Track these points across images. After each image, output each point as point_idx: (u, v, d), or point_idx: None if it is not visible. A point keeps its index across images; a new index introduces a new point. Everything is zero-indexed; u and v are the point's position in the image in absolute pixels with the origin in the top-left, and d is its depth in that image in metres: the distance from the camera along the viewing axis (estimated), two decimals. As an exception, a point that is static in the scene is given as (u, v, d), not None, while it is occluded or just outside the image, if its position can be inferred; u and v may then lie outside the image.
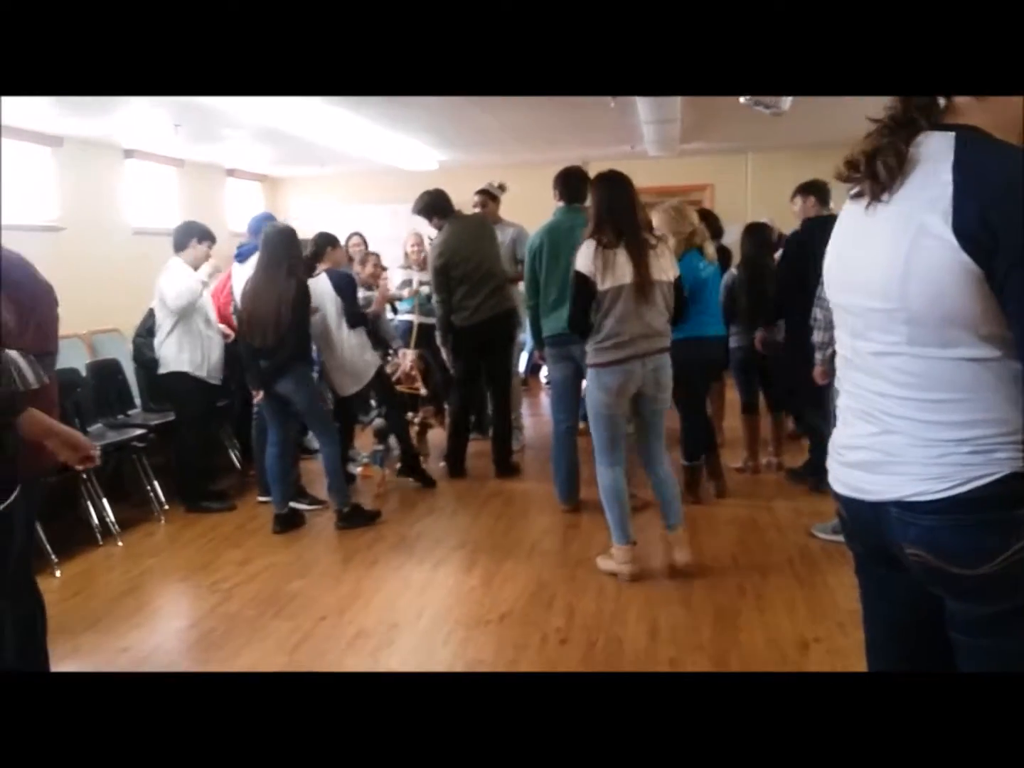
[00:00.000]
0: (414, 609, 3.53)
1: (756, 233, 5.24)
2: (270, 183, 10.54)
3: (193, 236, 4.86)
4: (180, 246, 4.85)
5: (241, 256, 4.89)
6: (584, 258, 3.56)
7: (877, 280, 1.26)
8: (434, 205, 5.42)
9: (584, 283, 3.56)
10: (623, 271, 3.51)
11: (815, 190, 4.62)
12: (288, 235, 4.42)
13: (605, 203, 3.59)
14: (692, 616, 3.35)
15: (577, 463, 4.71)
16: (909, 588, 1.37)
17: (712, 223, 5.36)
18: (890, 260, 1.23)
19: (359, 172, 9.81)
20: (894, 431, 1.30)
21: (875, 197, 1.29)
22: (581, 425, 5.66)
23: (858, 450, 1.37)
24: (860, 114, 1.42)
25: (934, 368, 1.23)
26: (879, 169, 1.27)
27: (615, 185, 3.62)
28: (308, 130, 6.67)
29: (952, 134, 1.24)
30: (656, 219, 4.41)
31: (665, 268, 3.62)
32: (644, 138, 7.24)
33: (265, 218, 5.05)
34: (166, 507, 4.88)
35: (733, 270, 5.21)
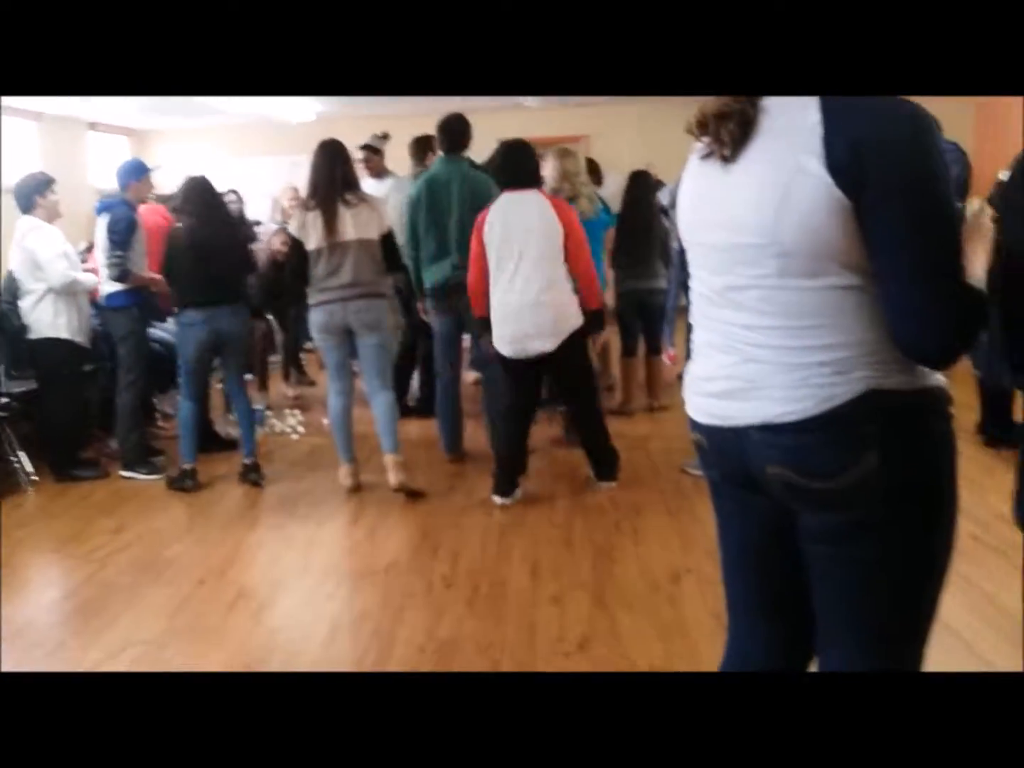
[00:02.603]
0: (298, 566, 3.53)
1: (639, 179, 5.33)
2: (137, 137, 10.08)
3: (35, 192, 4.60)
4: (27, 206, 4.60)
5: (103, 210, 4.67)
6: (294, 223, 4.13)
7: (748, 217, 1.30)
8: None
9: (295, 245, 4.11)
10: (321, 232, 4.00)
11: None
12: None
13: (311, 171, 4.08)
14: (572, 554, 3.46)
15: (461, 414, 4.75)
16: (763, 508, 1.46)
17: (593, 172, 5.41)
18: (763, 198, 1.27)
19: (232, 124, 9.49)
20: (756, 360, 1.35)
21: (724, 159, 1.33)
22: (473, 377, 5.71)
23: (718, 380, 1.42)
24: None
25: (799, 297, 1.29)
26: (723, 135, 1.32)
27: (320, 152, 4.07)
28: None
29: None
30: (547, 162, 4.62)
31: (367, 224, 4.04)
32: (522, 87, 7.21)
33: (135, 167, 4.79)
34: (34, 477, 4.68)
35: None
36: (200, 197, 4.38)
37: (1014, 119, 8.14)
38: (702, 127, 1.37)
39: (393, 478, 4.16)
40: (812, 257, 1.26)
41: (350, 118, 8.69)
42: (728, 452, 1.45)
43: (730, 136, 1.31)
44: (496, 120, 8.94)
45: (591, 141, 9.47)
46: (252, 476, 4.50)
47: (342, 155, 4.07)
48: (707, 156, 1.38)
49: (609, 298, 4.86)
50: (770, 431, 1.34)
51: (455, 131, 4.54)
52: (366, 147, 5.90)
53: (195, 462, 4.47)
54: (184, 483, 4.44)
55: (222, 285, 4.35)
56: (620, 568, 3.30)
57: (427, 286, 4.58)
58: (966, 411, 4.49)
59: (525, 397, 4.07)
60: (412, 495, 4.17)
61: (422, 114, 7.42)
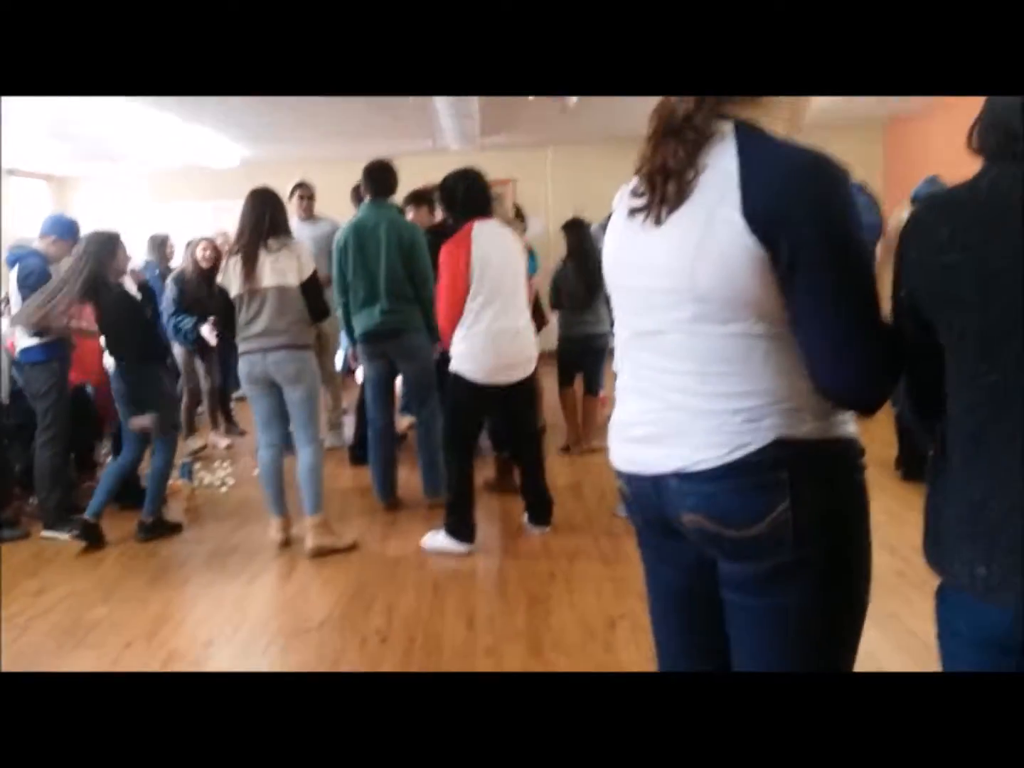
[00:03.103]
0: (230, 625, 3.44)
1: (577, 227, 5.49)
2: (57, 182, 9.88)
3: None
4: None
5: (13, 261, 4.58)
6: (221, 270, 4.12)
7: (667, 261, 1.32)
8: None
9: (220, 292, 4.13)
10: (240, 278, 3.98)
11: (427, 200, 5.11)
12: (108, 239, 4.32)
13: (240, 216, 4.06)
14: (507, 605, 3.46)
15: (394, 461, 4.73)
16: (685, 555, 1.47)
17: (516, 216, 5.54)
18: (682, 243, 1.30)
19: (155, 170, 9.38)
20: (675, 406, 1.37)
21: (659, 219, 1.34)
22: (406, 422, 5.68)
23: (637, 426, 1.43)
24: (647, 107, 1.42)
25: (712, 343, 1.31)
26: (669, 191, 1.32)
27: (250, 199, 4.04)
28: (99, 126, 6.32)
29: (730, 124, 1.31)
30: None
31: (285, 271, 3.97)
32: (445, 134, 7.30)
33: (66, 226, 4.73)
34: (-50, 540, 4.50)
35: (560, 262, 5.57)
36: (89, 251, 4.26)
37: (922, 139, 8.54)
38: (645, 185, 1.37)
39: (310, 541, 4.07)
40: (726, 304, 1.28)
41: (275, 163, 8.67)
42: (649, 499, 1.46)
43: (676, 194, 1.32)
44: (420, 164, 9.04)
45: (517, 184, 9.59)
46: (143, 535, 4.41)
47: (272, 202, 4.05)
48: (637, 212, 1.39)
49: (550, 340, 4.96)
50: (686, 479, 1.36)
51: (381, 177, 4.58)
52: (302, 185, 5.94)
53: (94, 517, 4.34)
54: (77, 534, 4.33)
55: (112, 340, 4.29)
56: (555, 617, 3.31)
57: (357, 332, 4.58)
58: (886, 446, 4.64)
59: (478, 427, 4.11)
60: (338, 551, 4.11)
61: (345, 159, 7.47)
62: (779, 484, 1.30)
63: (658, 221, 1.35)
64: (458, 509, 4.00)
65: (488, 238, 3.82)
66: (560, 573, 3.73)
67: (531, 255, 4.98)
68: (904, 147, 9.14)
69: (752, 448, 1.30)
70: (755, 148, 1.29)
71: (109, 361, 4.39)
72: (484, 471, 5.01)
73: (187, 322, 5.72)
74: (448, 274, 3.81)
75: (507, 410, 4.09)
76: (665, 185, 1.33)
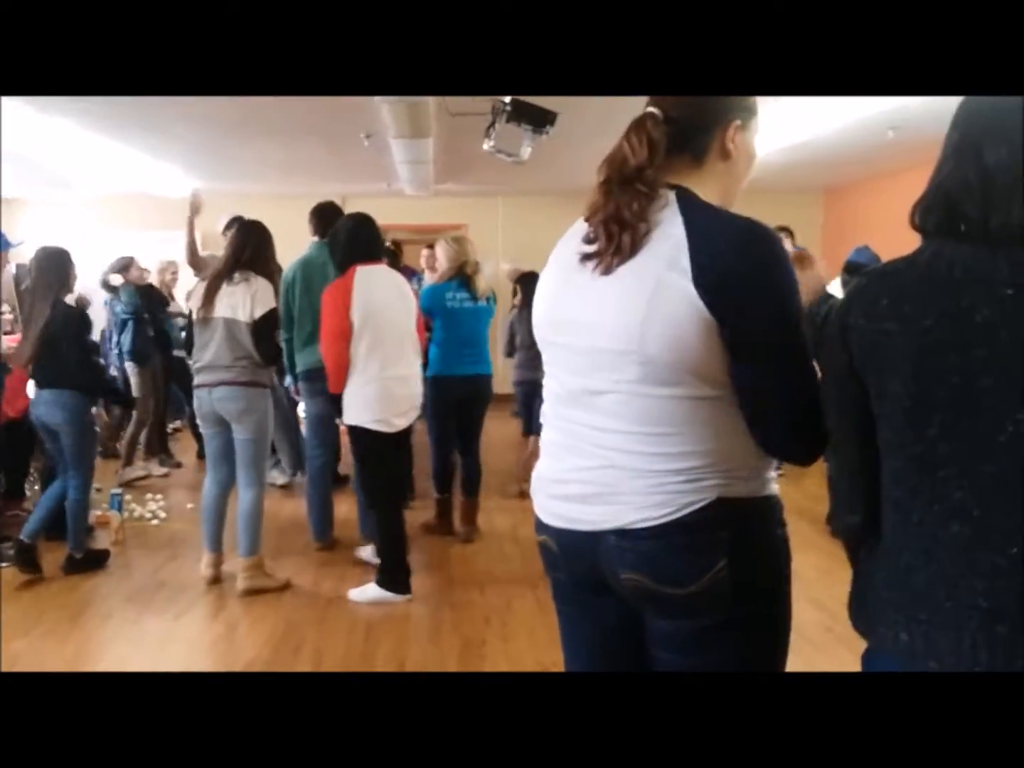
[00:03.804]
0: (151, 664, 3.34)
1: (532, 279, 5.63)
2: (4, 204, 9.69)
3: None
4: None
5: None
6: (189, 294, 4.13)
7: (613, 323, 1.33)
8: None
9: (190, 314, 4.17)
10: (199, 303, 3.94)
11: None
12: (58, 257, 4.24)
13: (226, 246, 4.09)
14: (440, 650, 3.42)
15: (331, 500, 4.68)
16: (610, 613, 1.47)
17: None
18: (628, 306, 1.31)
19: (107, 196, 9.27)
20: (613, 464, 1.37)
21: (608, 268, 1.35)
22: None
23: (570, 483, 1.43)
24: (597, 164, 1.43)
25: (656, 404, 1.32)
26: (624, 242, 1.33)
27: (239, 229, 4.08)
28: (52, 151, 6.27)
29: (672, 192, 1.35)
30: (438, 248, 4.78)
31: (236, 306, 3.86)
32: (400, 177, 7.36)
33: None
34: None
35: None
36: (39, 270, 4.21)
37: (860, 208, 8.86)
38: (599, 234, 1.37)
39: (241, 583, 3.99)
40: (672, 367, 1.30)
41: (227, 197, 8.61)
42: (581, 555, 1.45)
43: (632, 244, 1.33)
44: (374, 207, 9.07)
45: (469, 230, 9.67)
46: (71, 569, 4.27)
47: (257, 236, 4.01)
48: (588, 258, 1.39)
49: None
50: (627, 536, 1.36)
51: (328, 217, 4.63)
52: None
53: (29, 539, 4.21)
54: (12, 558, 4.22)
55: (40, 366, 4.16)
56: (488, 664, 3.28)
57: (300, 369, 4.56)
58: (817, 502, 4.71)
59: (394, 473, 3.97)
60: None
61: (297, 196, 7.47)
62: (719, 543, 1.33)
63: (607, 271, 1.35)
64: (391, 563, 3.88)
65: (372, 283, 3.76)
66: (496, 618, 3.71)
67: (491, 299, 4.97)
68: (841, 215, 9.49)
69: (694, 507, 1.33)
70: (698, 216, 1.33)
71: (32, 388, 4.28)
72: (425, 513, 4.99)
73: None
74: (327, 318, 3.75)
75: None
76: (621, 235, 1.34)
